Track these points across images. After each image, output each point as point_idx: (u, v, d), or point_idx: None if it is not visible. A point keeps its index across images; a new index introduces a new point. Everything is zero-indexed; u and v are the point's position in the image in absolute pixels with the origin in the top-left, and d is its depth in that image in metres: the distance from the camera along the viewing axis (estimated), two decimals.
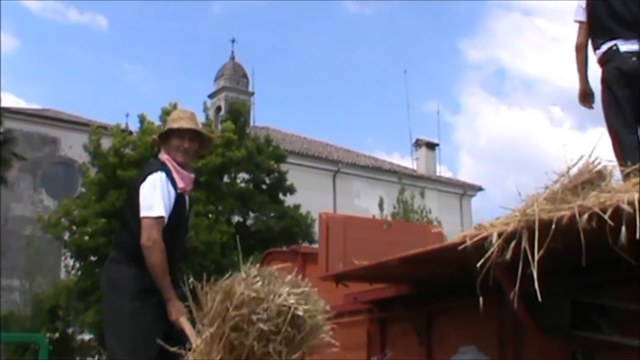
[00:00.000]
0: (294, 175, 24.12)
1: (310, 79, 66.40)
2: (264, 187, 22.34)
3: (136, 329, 4.34)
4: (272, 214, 21.90)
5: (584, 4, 5.73)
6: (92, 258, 20.26)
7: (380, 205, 27.22)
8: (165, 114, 20.76)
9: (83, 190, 23.24)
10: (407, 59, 65.85)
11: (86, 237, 19.93)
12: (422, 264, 5.16)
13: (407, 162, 38.21)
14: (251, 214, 21.83)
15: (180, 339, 4.25)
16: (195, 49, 67.25)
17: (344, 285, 6.01)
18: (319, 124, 64.67)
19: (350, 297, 6.49)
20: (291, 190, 22.46)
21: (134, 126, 23.08)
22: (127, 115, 40.57)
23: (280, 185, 22.64)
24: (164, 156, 4.72)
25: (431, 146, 38.09)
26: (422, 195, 27.69)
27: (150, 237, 4.37)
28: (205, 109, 24.06)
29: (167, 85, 65.56)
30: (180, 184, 4.64)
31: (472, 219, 34.31)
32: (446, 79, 65.58)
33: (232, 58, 41.33)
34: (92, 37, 67.28)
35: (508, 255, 4.04)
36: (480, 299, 4.31)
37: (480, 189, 38.07)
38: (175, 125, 4.75)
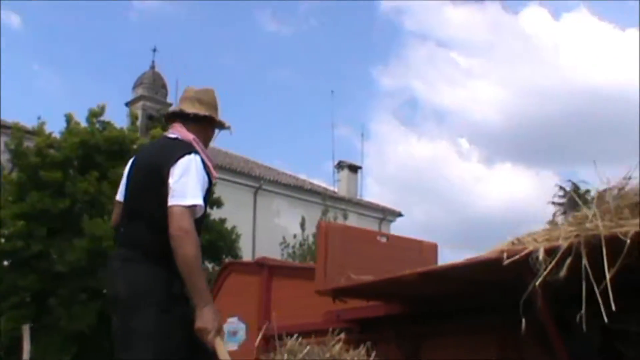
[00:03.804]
0: (216, 189, 23.51)
1: (231, 95, 65.68)
2: None
3: (162, 347, 3.53)
4: None
5: None
6: (5, 263, 19.21)
7: (302, 225, 26.90)
8: (92, 115, 20.06)
9: None
10: (322, 82, 65.83)
11: (2, 240, 18.91)
12: (441, 280, 4.76)
13: (322, 182, 38.03)
14: None
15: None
16: (112, 55, 65.81)
17: (341, 301, 5.55)
18: (240, 140, 64.03)
19: (332, 315, 6.03)
20: (218, 203, 21.83)
21: (54, 127, 22.14)
22: (38, 118, 39.10)
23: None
24: (188, 135, 3.92)
25: (353, 169, 37.95)
26: (345, 217, 27.54)
27: (181, 226, 3.52)
28: (131, 116, 23.32)
29: (79, 89, 63.78)
30: (213, 171, 3.92)
31: None
32: (359, 105, 65.81)
33: (152, 67, 40.55)
34: (3, 36, 65.16)
35: (563, 273, 3.73)
36: (523, 320, 3.97)
37: (400, 214, 38.13)
38: (226, 123, 4.15)
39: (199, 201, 3.66)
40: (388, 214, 37.73)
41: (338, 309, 5.93)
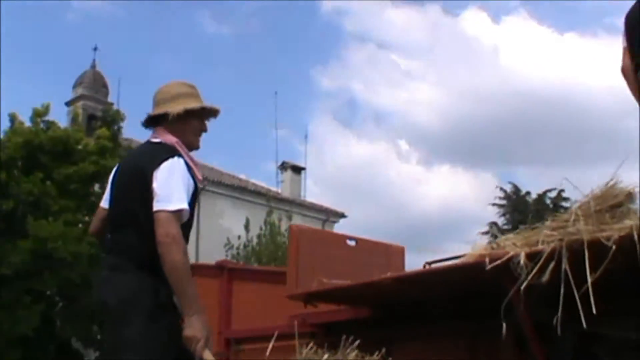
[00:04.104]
0: None
1: None
2: None
3: (150, 356, 3.41)
4: None
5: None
6: None
7: (247, 226, 26.82)
8: (37, 115, 19.75)
9: None
10: (262, 82, 65.50)
11: None
12: (417, 285, 4.72)
13: (262, 182, 37.85)
14: None
15: None
16: (51, 54, 64.64)
17: (313, 306, 5.48)
18: None
19: (298, 319, 5.95)
20: None
21: None
22: None
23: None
24: (171, 139, 3.81)
25: (297, 170, 37.90)
26: (290, 218, 27.53)
27: (168, 233, 3.43)
28: (74, 115, 22.96)
29: (16, 89, 62.54)
30: (198, 174, 3.85)
31: None
32: (298, 106, 65.61)
33: (93, 66, 39.98)
34: None
35: (546, 277, 3.73)
36: (504, 325, 3.97)
37: (343, 215, 38.15)
38: (204, 105, 3.91)
39: (184, 205, 3.58)
40: (331, 215, 37.76)
41: (303, 312, 5.85)
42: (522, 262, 3.81)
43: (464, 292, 4.69)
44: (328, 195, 58.21)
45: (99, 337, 18.74)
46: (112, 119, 21.73)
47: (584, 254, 3.62)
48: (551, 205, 36.95)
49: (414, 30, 66.36)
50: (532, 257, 3.79)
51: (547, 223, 4.12)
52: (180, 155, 3.73)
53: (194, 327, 3.41)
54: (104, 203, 3.97)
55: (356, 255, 5.77)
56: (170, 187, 3.57)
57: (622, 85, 5.15)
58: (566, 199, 35.58)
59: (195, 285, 3.55)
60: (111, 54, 58.83)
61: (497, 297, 4.03)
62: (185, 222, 3.63)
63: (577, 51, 61.92)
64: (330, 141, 61.70)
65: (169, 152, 3.71)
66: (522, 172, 62.05)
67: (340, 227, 37.51)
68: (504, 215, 38.21)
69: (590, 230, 3.74)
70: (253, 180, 37.57)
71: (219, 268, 7.60)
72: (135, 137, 35.19)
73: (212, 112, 4.01)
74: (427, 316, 5.27)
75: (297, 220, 30.29)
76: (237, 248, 26.62)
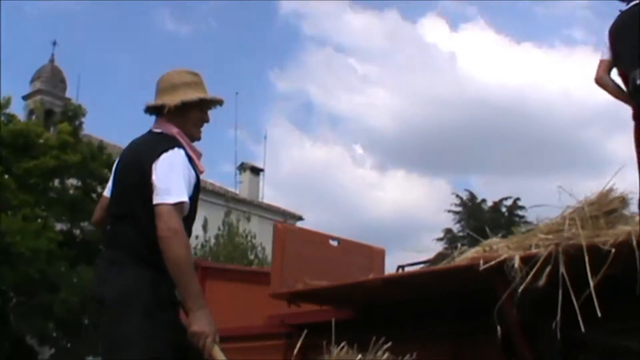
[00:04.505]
0: None
1: (129, 92, 64.28)
2: (95, 196, 21.01)
3: (147, 352, 3.30)
4: None
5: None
6: None
7: (204, 226, 26.63)
8: None
9: None
10: (218, 83, 64.98)
11: None
12: (405, 287, 4.70)
13: (217, 182, 37.63)
14: (81, 224, 20.47)
15: None
16: (8, 47, 63.72)
17: (296, 306, 5.43)
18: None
19: (276, 319, 5.89)
20: None
21: None
22: None
23: None
24: (172, 129, 3.68)
25: (255, 171, 37.84)
26: (249, 219, 27.48)
27: (169, 227, 3.32)
28: (37, 109, 22.70)
29: None
30: (200, 166, 3.72)
31: None
32: (254, 108, 65.27)
33: (52, 61, 39.49)
34: None
35: (542, 281, 3.73)
36: (498, 328, 3.97)
37: (300, 218, 38.07)
38: (202, 96, 3.75)
39: (184, 198, 3.47)
40: (289, 217, 37.62)
41: (280, 313, 5.79)
42: (516, 265, 3.81)
43: (453, 295, 4.67)
44: (282, 197, 58.02)
45: (54, 334, 18.53)
46: (73, 114, 21.47)
47: (579, 259, 3.64)
48: (506, 214, 37.23)
49: (372, 35, 66.57)
50: (527, 260, 3.79)
51: (540, 227, 4.14)
52: (180, 146, 3.61)
53: (200, 323, 3.34)
54: (107, 192, 3.89)
55: (339, 255, 5.73)
56: (169, 179, 3.46)
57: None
58: (522, 208, 35.99)
59: (197, 280, 3.49)
60: (70, 49, 58.23)
61: (486, 300, 4.03)
62: (188, 214, 3.54)
63: (534, 61, 62.68)
64: (286, 144, 61.57)
65: (169, 142, 3.60)
66: (476, 180, 62.47)
67: None
68: (459, 222, 38.32)
69: (588, 235, 3.75)
70: (210, 180, 37.36)
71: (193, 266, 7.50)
72: (94, 134, 35.12)
73: (214, 102, 3.87)
74: (412, 318, 5.24)
75: (255, 222, 30.22)
76: (195, 248, 26.41)
